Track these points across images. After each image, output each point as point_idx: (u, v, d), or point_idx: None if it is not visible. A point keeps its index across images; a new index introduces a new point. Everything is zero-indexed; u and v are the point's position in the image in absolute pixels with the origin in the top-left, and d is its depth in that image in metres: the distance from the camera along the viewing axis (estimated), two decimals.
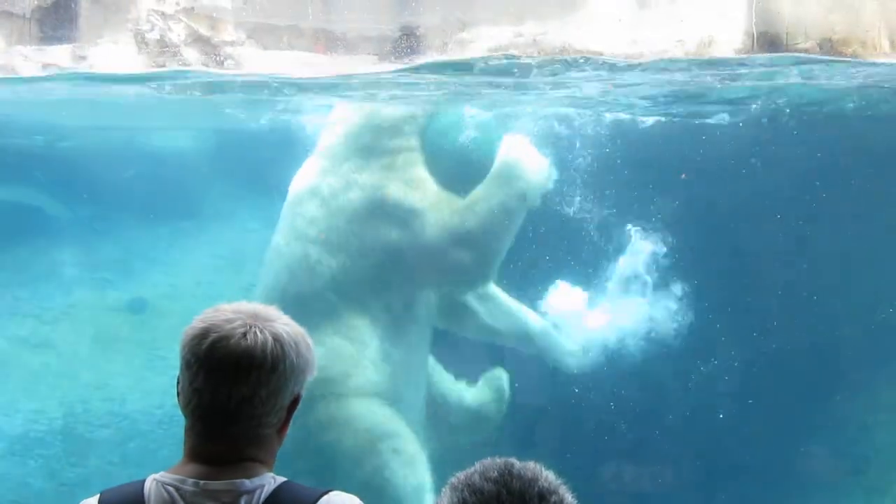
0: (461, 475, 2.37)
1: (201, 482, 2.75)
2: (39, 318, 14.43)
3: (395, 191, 11.58)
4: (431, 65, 9.69)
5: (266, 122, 14.23)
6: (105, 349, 14.05)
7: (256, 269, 12.55)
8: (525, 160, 11.77)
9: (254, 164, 13.75)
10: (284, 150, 12.61)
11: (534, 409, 13.35)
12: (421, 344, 12.30)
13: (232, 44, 9.70)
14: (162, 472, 2.81)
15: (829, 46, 9.38)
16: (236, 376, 2.74)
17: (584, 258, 13.01)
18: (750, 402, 13.07)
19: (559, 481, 2.35)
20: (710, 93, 12.16)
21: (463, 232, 11.60)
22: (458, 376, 12.88)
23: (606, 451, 13.05)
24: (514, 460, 2.38)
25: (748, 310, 13.18)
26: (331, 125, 12.22)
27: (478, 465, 2.38)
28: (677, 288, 13.03)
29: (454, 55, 9.41)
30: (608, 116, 13.11)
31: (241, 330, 2.76)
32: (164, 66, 9.76)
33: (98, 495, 2.82)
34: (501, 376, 12.78)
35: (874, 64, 9.82)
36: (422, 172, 11.77)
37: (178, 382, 2.86)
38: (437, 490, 11.19)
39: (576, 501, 2.34)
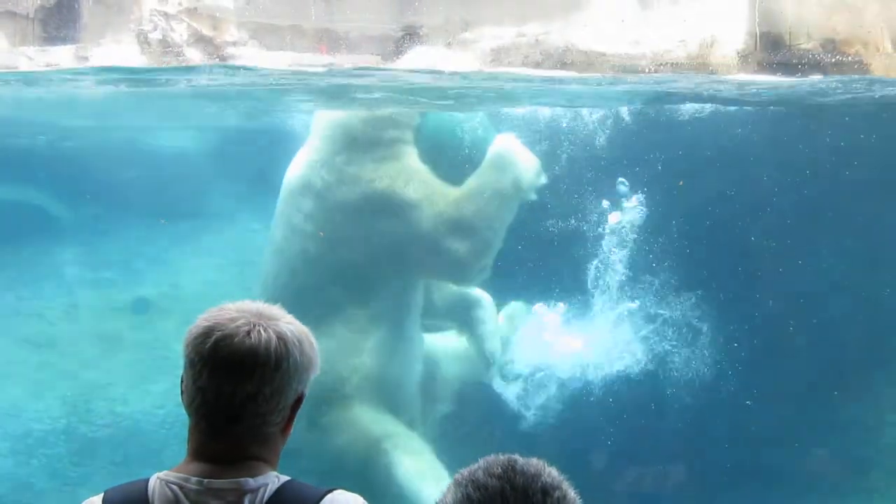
0: (465, 471, 2.38)
1: (205, 481, 2.74)
2: (42, 317, 14.46)
3: (390, 183, 11.56)
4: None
5: (269, 121, 14.26)
6: (108, 349, 14.06)
7: (259, 269, 12.57)
8: (516, 151, 11.84)
9: (256, 164, 13.76)
10: (287, 149, 12.61)
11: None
12: (416, 331, 12.41)
13: (234, 44, 9.70)
14: (166, 471, 2.80)
15: (832, 47, 9.38)
16: (240, 374, 2.73)
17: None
18: (753, 403, 13.06)
19: (562, 477, 2.36)
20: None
21: (459, 222, 11.61)
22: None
23: (608, 452, 13.05)
24: (517, 456, 2.39)
25: (751, 310, 13.18)
26: (322, 115, 12.20)
27: (481, 462, 2.39)
28: (678, 290, 13.07)
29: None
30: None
31: (245, 328, 2.76)
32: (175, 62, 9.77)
33: (102, 494, 2.81)
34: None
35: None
36: (416, 163, 11.76)
37: (181, 381, 2.85)
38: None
39: (578, 497, 2.35)
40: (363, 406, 11.65)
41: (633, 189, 13.06)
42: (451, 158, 12.19)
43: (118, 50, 9.77)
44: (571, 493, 2.33)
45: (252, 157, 14.20)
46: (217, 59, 10.03)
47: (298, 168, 11.89)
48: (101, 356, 13.97)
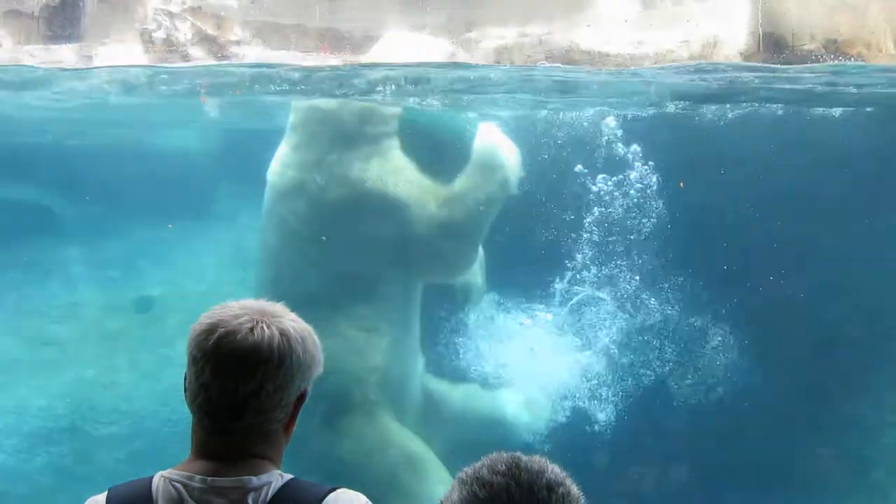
0: (469, 470, 2.40)
1: (209, 479, 2.75)
2: (47, 316, 14.45)
3: (381, 183, 11.56)
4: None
5: (273, 121, 14.24)
6: (112, 347, 14.06)
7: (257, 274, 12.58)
8: (502, 148, 11.85)
9: (260, 164, 13.75)
10: None
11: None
12: (416, 328, 12.45)
13: (238, 43, 9.72)
14: (170, 469, 2.82)
15: (834, 48, 9.38)
16: (243, 371, 2.75)
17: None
18: (754, 403, 13.05)
19: (565, 473, 2.38)
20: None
21: (450, 225, 11.64)
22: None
23: (609, 452, 13.05)
24: (520, 454, 2.41)
25: (752, 311, 13.17)
26: (301, 106, 12.08)
27: (485, 460, 2.41)
28: (678, 293, 13.07)
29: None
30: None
31: (248, 325, 2.77)
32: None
33: (106, 492, 2.82)
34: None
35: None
36: (401, 160, 11.77)
37: (185, 379, 2.87)
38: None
39: (581, 493, 2.37)
40: (387, 415, 11.73)
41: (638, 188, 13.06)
42: (434, 148, 12.18)
43: (122, 49, 9.79)
44: (575, 489, 2.36)
45: (256, 157, 14.19)
46: (220, 59, 10.07)
47: (287, 168, 11.82)
48: (105, 354, 13.97)
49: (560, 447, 12.24)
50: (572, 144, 12.99)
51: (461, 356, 12.91)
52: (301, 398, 2.88)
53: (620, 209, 13.05)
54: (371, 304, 11.77)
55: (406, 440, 11.77)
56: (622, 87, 11.65)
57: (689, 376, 13.29)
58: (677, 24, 9.31)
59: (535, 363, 13.05)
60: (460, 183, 11.77)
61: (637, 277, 13.21)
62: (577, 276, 13.16)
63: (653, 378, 13.21)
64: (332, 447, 11.31)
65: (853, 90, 11.63)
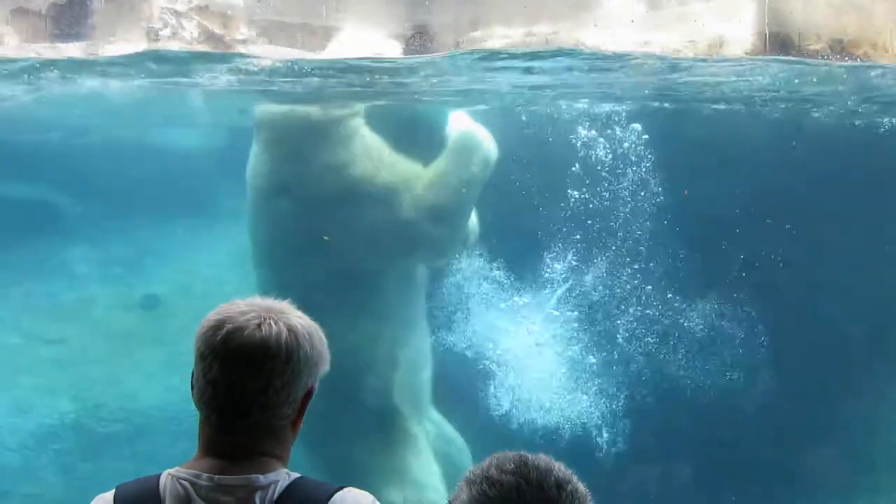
0: (476, 469, 2.40)
1: (216, 477, 2.75)
2: (52, 314, 14.51)
3: (363, 169, 11.56)
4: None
5: None
6: (117, 345, 14.11)
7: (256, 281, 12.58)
8: (477, 129, 11.90)
9: None
10: None
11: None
12: (421, 314, 12.55)
13: (244, 42, 9.71)
14: (177, 467, 2.81)
15: (840, 48, 9.36)
16: (251, 367, 2.74)
17: None
18: (757, 403, 13.05)
19: (570, 471, 2.38)
20: None
21: (437, 208, 11.69)
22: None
23: (613, 452, 13.05)
24: (525, 453, 2.41)
25: (755, 310, 13.16)
26: (266, 109, 12.08)
27: (492, 459, 2.41)
28: (682, 293, 13.07)
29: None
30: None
31: (256, 321, 2.77)
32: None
33: (114, 490, 2.82)
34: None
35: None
36: (373, 140, 11.77)
37: (192, 376, 2.86)
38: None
39: (587, 490, 2.38)
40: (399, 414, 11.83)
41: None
42: (403, 134, 12.16)
43: (128, 48, 9.80)
44: (582, 487, 2.37)
45: None
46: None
47: (264, 168, 11.80)
48: (111, 352, 14.01)
49: (562, 446, 12.27)
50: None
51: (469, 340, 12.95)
52: (308, 395, 2.87)
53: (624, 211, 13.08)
54: (373, 294, 11.78)
55: (414, 441, 11.83)
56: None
57: (692, 376, 13.28)
58: (683, 24, 9.30)
59: (537, 360, 13.06)
60: (441, 166, 11.80)
61: (639, 276, 13.21)
62: (584, 272, 13.18)
63: (654, 377, 13.21)
64: (341, 442, 11.35)
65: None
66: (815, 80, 11.12)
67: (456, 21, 9.31)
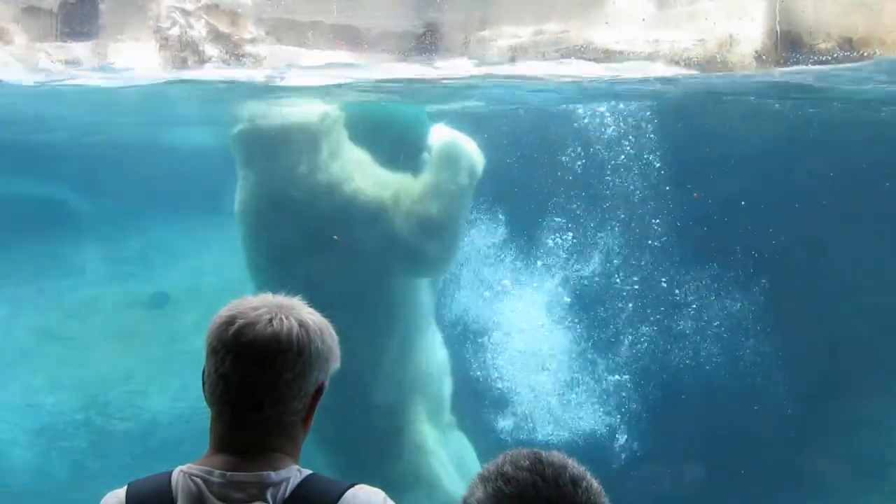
0: (490, 466, 2.40)
1: (228, 474, 2.75)
2: (62, 310, 14.54)
3: (352, 187, 11.51)
4: None
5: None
6: (127, 343, 14.14)
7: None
8: (462, 140, 11.85)
9: None
10: None
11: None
12: (426, 323, 12.46)
13: (252, 41, 9.72)
14: (189, 464, 2.81)
15: (849, 46, 9.35)
16: (262, 361, 2.75)
17: None
18: (767, 403, 13.03)
19: (584, 467, 2.38)
20: None
21: (429, 222, 11.61)
22: None
23: (621, 452, 13.04)
24: (538, 449, 2.41)
25: (765, 310, 13.14)
26: (246, 133, 11.99)
27: (506, 456, 2.41)
28: (689, 292, 13.06)
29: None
30: None
31: (267, 317, 2.78)
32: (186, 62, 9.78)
33: (126, 486, 2.82)
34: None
35: None
36: (358, 154, 11.74)
37: (203, 373, 2.86)
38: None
39: (601, 487, 2.38)
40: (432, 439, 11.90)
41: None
42: (385, 143, 12.14)
43: (136, 47, 9.81)
44: (595, 483, 2.37)
45: None
46: (234, 57, 10.07)
47: (252, 196, 11.74)
48: (120, 350, 14.04)
49: (572, 445, 12.26)
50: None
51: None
52: (319, 391, 2.87)
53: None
54: (375, 310, 11.72)
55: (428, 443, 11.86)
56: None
57: (701, 375, 13.26)
58: (693, 23, 9.30)
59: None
60: (429, 178, 11.74)
61: (650, 277, 13.22)
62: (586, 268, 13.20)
63: (664, 377, 13.20)
64: (356, 445, 11.38)
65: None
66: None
67: (466, 19, 9.32)
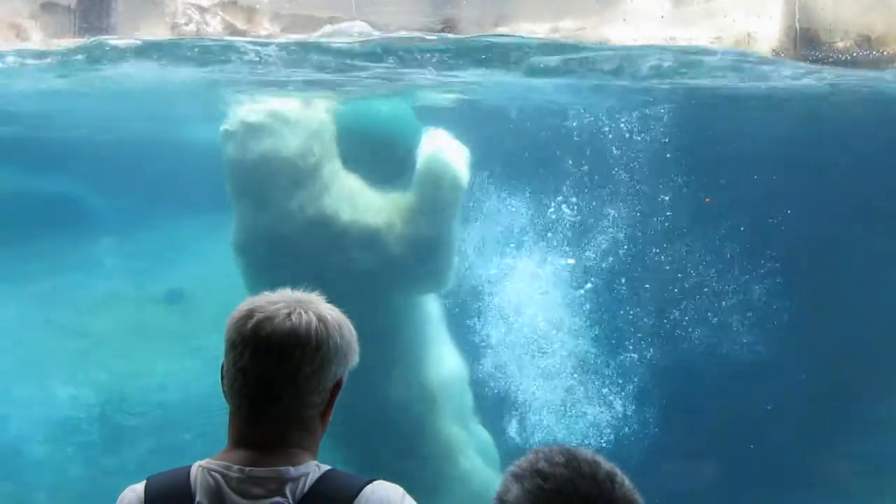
0: (523, 463, 2.39)
1: (247, 469, 2.75)
2: (78, 306, 14.60)
3: (346, 217, 11.50)
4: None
5: None
6: (142, 339, 14.18)
7: None
8: (445, 150, 11.69)
9: None
10: None
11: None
12: (438, 326, 12.46)
13: (268, 37, 9.73)
14: (207, 459, 2.82)
15: (867, 45, 9.32)
16: (281, 355, 2.76)
17: None
18: (778, 403, 12.99)
19: (612, 463, 2.39)
20: None
21: (419, 241, 11.59)
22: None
23: (627, 452, 13.02)
24: (567, 445, 2.41)
25: (776, 310, 13.10)
26: (239, 168, 11.91)
27: (537, 453, 2.40)
28: (703, 289, 13.04)
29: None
30: None
31: (286, 311, 2.80)
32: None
33: (144, 481, 2.83)
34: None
35: None
36: (351, 181, 11.70)
37: (221, 368, 2.87)
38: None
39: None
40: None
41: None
42: (378, 155, 12.09)
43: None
44: (627, 479, 2.37)
45: None
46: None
47: (251, 225, 11.76)
48: (136, 345, 14.08)
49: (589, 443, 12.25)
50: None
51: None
52: (337, 386, 2.88)
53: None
54: (382, 330, 11.65)
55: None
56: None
57: (716, 373, 13.23)
58: (710, 20, 9.27)
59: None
60: (412, 198, 11.66)
61: (664, 272, 13.20)
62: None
63: (678, 376, 13.16)
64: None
65: None
66: None
67: (482, 16, 9.31)
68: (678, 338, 13.24)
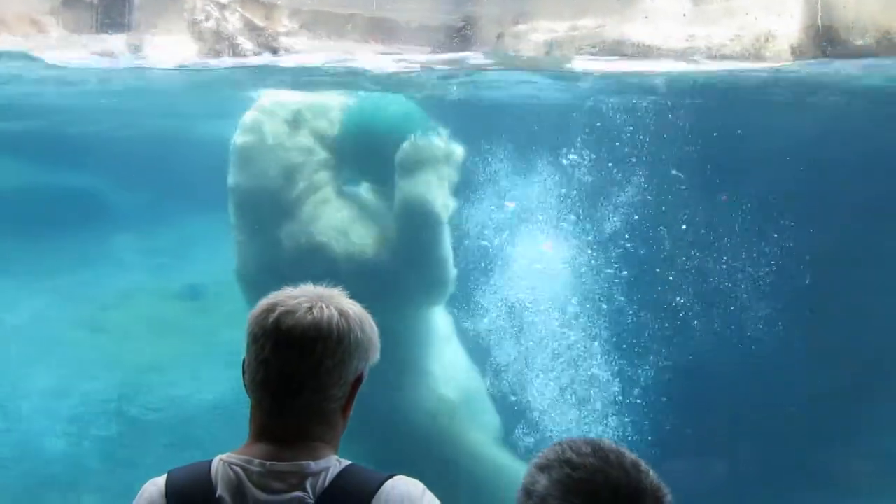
0: (549, 454, 2.40)
1: (268, 463, 2.76)
2: (97, 302, 14.67)
3: (339, 246, 11.52)
4: None
5: None
6: (161, 334, 14.25)
7: None
8: (421, 183, 11.60)
9: None
10: None
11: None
12: (445, 333, 12.48)
13: (287, 34, 9.75)
14: (228, 453, 2.83)
15: (887, 42, 9.28)
16: (302, 348, 2.77)
17: None
18: (790, 404, 12.95)
19: (635, 453, 2.41)
20: None
21: (412, 259, 11.64)
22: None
23: (646, 448, 12.97)
24: (591, 437, 2.43)
25: (790, 310, 13.05)
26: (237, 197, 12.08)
27: (563, 444, 2.42)
28: (709, 291, 13.00)
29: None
30: None
31: (307, 305, 2.81)
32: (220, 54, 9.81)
33: (165, 475, 2.84)
34: None
35: None
36: (343, 208, 11.76)
37: (243, 363, 2.87)
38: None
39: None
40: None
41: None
42: (377, 148, 12.09)
43: (170, 40, 9.88)
44: (651, 469, 2.38)
45: None
46: (268, 50, 10.11)
47: (249, 253, 11.66)
48: (154, 340, 14.14)
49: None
50: None
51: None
52: (358, 380, 2.88)
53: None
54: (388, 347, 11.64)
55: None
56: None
57: (729, 374, 13.19)
58: (731, 19, 9.24)
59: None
60: (396, 234, 11.69)
61: (676, 274, 13.16)
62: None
63: (691, 375, 13.12)
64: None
65: None
66: None
67: (502, 13, 9.31)
68: (691, 336, 13.20)
